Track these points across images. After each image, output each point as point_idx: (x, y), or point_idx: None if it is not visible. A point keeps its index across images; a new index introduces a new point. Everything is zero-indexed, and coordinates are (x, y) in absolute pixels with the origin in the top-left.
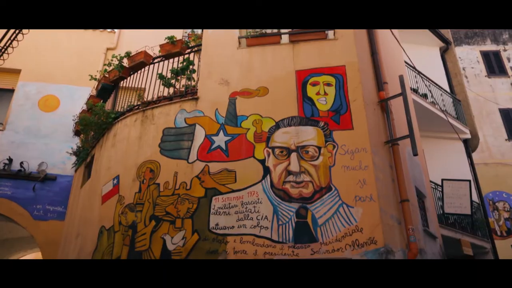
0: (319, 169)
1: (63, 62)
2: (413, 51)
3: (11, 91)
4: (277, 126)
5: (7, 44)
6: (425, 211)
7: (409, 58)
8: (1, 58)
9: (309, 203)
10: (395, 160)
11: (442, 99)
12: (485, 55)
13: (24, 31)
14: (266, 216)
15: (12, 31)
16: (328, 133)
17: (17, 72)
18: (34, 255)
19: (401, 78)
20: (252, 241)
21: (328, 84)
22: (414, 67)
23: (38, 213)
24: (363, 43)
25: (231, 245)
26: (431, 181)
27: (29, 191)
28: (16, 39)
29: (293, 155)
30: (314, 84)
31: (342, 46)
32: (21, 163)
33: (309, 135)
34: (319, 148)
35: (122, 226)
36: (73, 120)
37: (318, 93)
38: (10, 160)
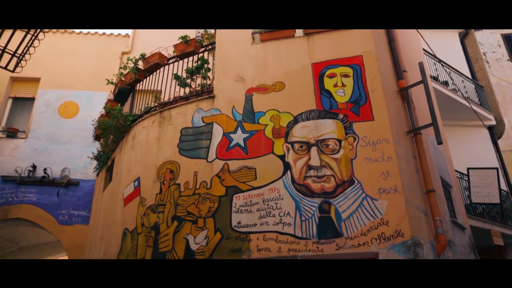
0: (341, 163)
1: (80, 68)
2: (431, 38)
3: (32, 99)
4: (296, 120)
5: (24, 51)
6: (452, 202)
7: (428, 45)
8: (20, 65)
9: (331, 198)
10: (419, 150)
11: (464, 86)
12: (507, 38)
13: (40, 36)
14: (288, 212)
15: (28, 38)
16: (348, 125)
17: (36, 80)
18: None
19: (420, 65)
20: (275, 238)
21: (346, 75)
22: (433, 54)
23: (63, 218)
24: (380, 31)
25: (254, 243)
26: (456, 171)
27: (53, 197)
28: (32, 45)
29: (313, 149)
30: (331, 76)
31: (358, 35)
32: (45, 169)
33: (329, 128)
34: (340, 141)
35: (145, 227)
36: (92, 125)
37: (335, 85)
38: (34, 167)
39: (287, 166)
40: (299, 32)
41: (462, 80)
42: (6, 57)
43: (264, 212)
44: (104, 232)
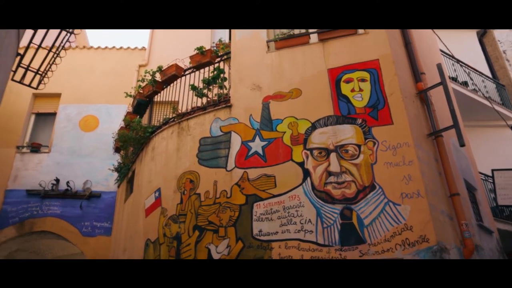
0: (361, 168)
1: (99, 82)
2: (448, 38)
3: (54, 114)
4: (314, 127)
5: (46, 69)
6: (477, 205)
7: (445, 46)
8: (43, 82)
9: (353, 204)
10: (440, 153)
11: (484, 86)
12: None
13: (62, 54)
14: (309, 219)
15: (50, 55)
16: (367, 130)
17: (57, 96)
18: None
19: (439, 67)
20: (297, 246)
21: (363, 80)
22: (451, 55)
23: (86, 229)
24: (395, 34)
25: (276, 251)
26: (480, 173)
27: (76, 209)
28: (54, 63)
29: (333, 155)
30: (348, 81)
31: (374, 39)
32: (67, 182)
33: (347, 133)
34: (359, 146)
35: (167, 237)
36: (112, 137)
37: (353, 90)
38: (57, 180)
39: (306, 173)
40: (313, 38)
41: (483, 80)
42: (30, 74)
43: (285, 220)
44: (127, 243)
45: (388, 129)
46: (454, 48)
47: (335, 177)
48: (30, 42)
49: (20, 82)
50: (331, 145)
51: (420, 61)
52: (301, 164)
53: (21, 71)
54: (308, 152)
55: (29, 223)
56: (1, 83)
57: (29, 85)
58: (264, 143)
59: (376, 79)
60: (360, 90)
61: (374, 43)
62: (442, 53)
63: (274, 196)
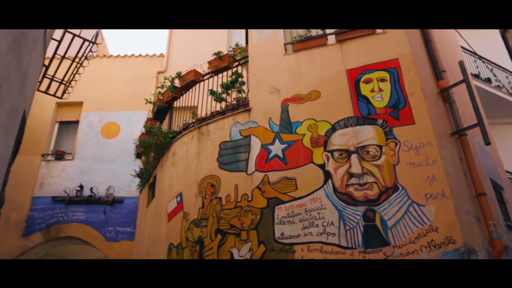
0: (383, 169)
1: (119, 90)
2: (469, 35)
3: (76, 122)
4: (333, 128)
5: (70, 79)
6: (505, 204)
7: (467, 42)
8: (67, 92)
9: (376, 205)
10: (465, 152)
11: (509, 82)
12: None
13: (85, 64)
14: (332, 222)
15: (74, 65)
16: (388, 131)
17: (80, 104)
18: None
19: (461, 64)
20: (320, 249)
21: (382, 80)
22: (473, 52)
23: (110, 234)
24: (415, 32)
25: (299, 254)
26: (507, 171)
27: (100, 215)
28: (78, 72)
29: (354, 157)
30: (367, 81)
31: (393, 38)
32: (91, 188)
33: (368, 134)
34: (380, 146)
35: (190, 242)
36: (133, 143)
37: (372, 90)
38: (81, 186)
39: (327, 175)
40: (331, 39)
41: (506, 76)
42: (53, 84)
43: (307, 223)
44: (150, 247)
45: (410, 129)
46: (476, 44)
47: (356, 179)
48: (55, 53)
49: (46, 92)
50: (351, 146)
51: (441, 59)
52: (322, 166)
53: (46, 81)
54: (329, 154)
55: (55, 229)
56: (30, 94)
57: (54, 95)
58: (284, 146)
59: (396, 78)
60: (380, 90)
61: (393, 43)
62: (463, 50)
63: (295, 199)
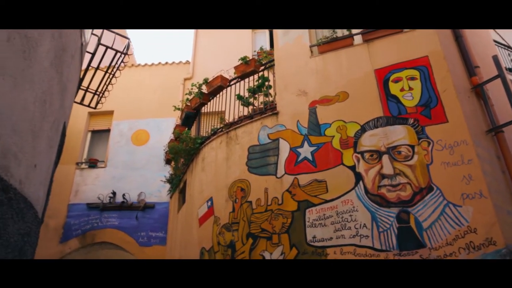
0: (416, 169)
1: (147, 98)
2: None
3: (108, 131)
4: (363, 129)
5: (103, 89)
6: None
7: (500, 36)
8: (100, 102)
9: (409, 207)
10: (502, 150)
11: None
12: None
13: (117, 74)
14: (364, 224)
15: (106, 76)
16: (420, 130)
17: (110, 113)
18: None
19: (495, 59)
20: (353, 252)
21: (412, 78)
22: (507, 45)
23: (142, 239)
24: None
25: (332, 257)
26: None
27: (132, 220)
28: (110, 83)
29: (385, 158)
30: (397, 80)
31: (421, 36)
32: (123, 195)
33: (399, 134)
34: (412, 146)
35: (221, 246)
36: (163, 150)
37: (402, 89)
38: (114, 193)
39: (358, 177)
40: (357, 39)
41: None
42: (88, 95)
43: (339, 225)
44: (182, 252)
45: (443, 128)
46: (510, 37)
47: (388, 180)
48: (88, 65)
49: (81, 103)
50: (382, 147)
51: (473, 54)
52: (353, 168)
53: (80, 92)
54: (359, 155)
55: (91, 235)
56: (69, 106)
57: (88, 105)
58: (313, 148)
59: (426, 76)
60: (410, 89)
61: (422, 40)
62: (496, 44)
63: (326, 201)
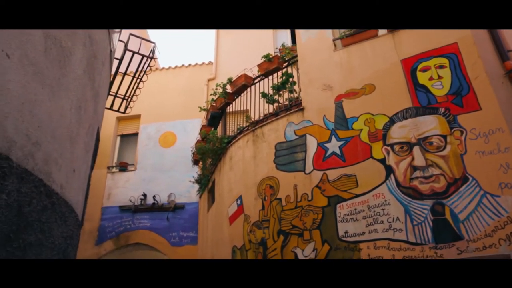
0: (449, 160)
1: (172, 100)
2: None
3: (136, 134)
4: (392, 121)
5: (131, 94)
6: None
7: None
8: (129, 106)
9: (444, 198)
10: None
11: None
12: None
13: (144, 78)
14: (397, 217)
15: (134, 80)
16: (451, 119)
17: (138, 117)
18: None
19: None
20: (387, 246)
21: (441, 66)
22: None
23: (174, 240)
24: None
25: (365, 252)
26: None
27: (163, 221)
28: (138, 87)
29: (416, 149)
30: (425, 69)
31: None
32: (154, 196)
33: (430, 124)
34: (444, 136)
35: (253, 244)
36: (190, 151)
37: (431, 78)
38: (145, 195)
39: (389, 170)
40: (382, 30)
41: None
42: (117, 100)
43: (371, 220)
44: (214, 250)
45: (476, 116)
46: None
47: (421, 172)
48: (116, 71)
49: (111, 108)
50: (413, 138)
51: (505, 38)
52: (383, 161)
53: (109, 98)
54: (389, 148)
55: (124, 237)
56: (101, 112)
57: (118, 110)
58: (341, 142)
59: (456, 64)
60: (439, 77)
61: None
62: None
63: (357, 195)
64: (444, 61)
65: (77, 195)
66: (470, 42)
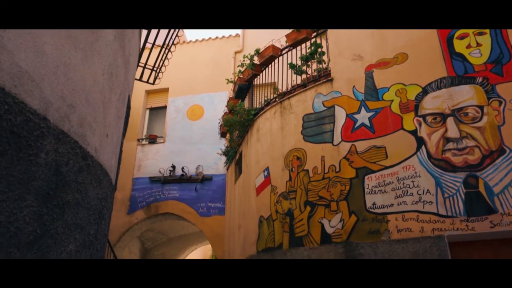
0: (485, 131)
1: (200, 73)
2: None
3: (164, 107)
4: (425, 91)
5: (160, 65)
6: None
7: None
8: (158, 78)
9: (478, 171)
10: None
11: None
12: None
13: (172, 49)
14: (428, 190)
15: (162, 51)
16: (489, 89)
17: (166, 90)
18: (204, 247)
19: None
20: (416, 218)
21: (480, 33)
22: None
23: (202, 210)
24: None
25: (393, 223)
26: None
27: (192, 192)
28: (166, 58)
29: (450, 120)
30: (462, 37)
31: None
32: (182, 168)
33: (466, 94)
34: (481, 107)
35: (279, 214)
36: (218, 123)
37: (469, 46)
38: (173, 167)
39: (420, 141)
40: None
41: None
42: (146, 72)
43: (400, 192)
44: (241, 221)
45: None
46: None
47: (454, 143)
48: (145, 43)
49: (140, 79)
50: (447, 109)
51: None
52: (414, 132)
53: (139, 69)
54: (421, 119)
55: (154, 207)
56: (131, 80)
57: (147, 81)
58: (371, 113)
59: (497, 30)
60: (478, 45)
61: None
62: None
63: (386, 167)
64: None
65: (110, 159)
66: None
